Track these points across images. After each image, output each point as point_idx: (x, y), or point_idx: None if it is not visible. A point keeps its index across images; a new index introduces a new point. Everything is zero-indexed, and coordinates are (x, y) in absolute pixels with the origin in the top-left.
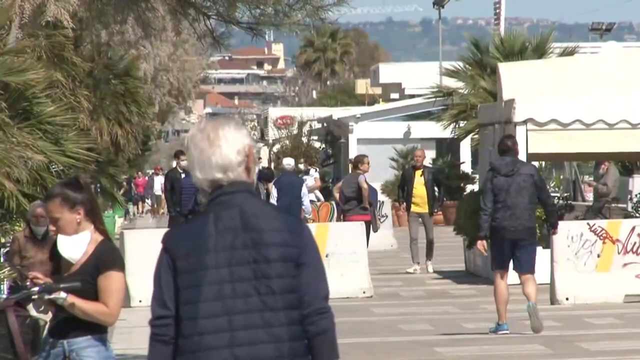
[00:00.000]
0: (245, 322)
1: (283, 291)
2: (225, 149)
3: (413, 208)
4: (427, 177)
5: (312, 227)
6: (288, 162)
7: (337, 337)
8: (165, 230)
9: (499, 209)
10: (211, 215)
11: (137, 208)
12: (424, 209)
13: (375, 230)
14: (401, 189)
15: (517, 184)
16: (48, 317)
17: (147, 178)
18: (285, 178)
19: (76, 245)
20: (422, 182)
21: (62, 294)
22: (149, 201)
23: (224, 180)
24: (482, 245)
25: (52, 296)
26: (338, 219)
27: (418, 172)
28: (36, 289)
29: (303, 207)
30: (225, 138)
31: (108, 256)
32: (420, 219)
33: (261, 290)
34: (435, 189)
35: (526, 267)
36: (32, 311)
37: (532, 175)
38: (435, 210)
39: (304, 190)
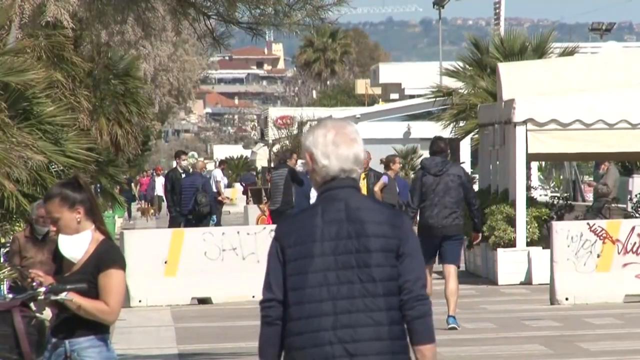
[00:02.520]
0: (348, 306)
1: (382, 279)
2: (359, 149)
3: None
4: (370, 181)
5: None
6: (301, 163)
7: None
8: (165, 230)
9: (428, 206)
10: (319, 208)
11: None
12: None
13: None
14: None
15: (444, 183)
16: (48, 316)
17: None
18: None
19: (77, 245)
20: (364, 186)
21: (68, 295)
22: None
23: (354, 172)
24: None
25: (59, 297)
26: None
27: (361, 176)
28: (42, 289)
29: None
30: (359, 140)
31: (109, 254)
32: None
33: (362, 278)
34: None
35: (450, 258)
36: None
37: (459, 176)
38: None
39: (313, 191)
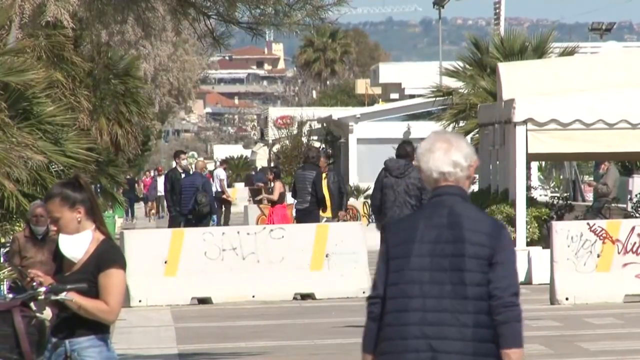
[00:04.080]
0: (436, 305)
1: (472, 283)
2: (458, 154)
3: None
4: (330, 181)
5: (313, 227)
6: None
7: (341, 337)
8: (165, 230)
9: (389, 207)
10: (425, 212)
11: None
12: (327, 213)
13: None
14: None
15: (405, 185)
16: (48, 316)
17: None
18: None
19: (78, 245)
20: (325, 186)
21: (68, 295)
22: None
23: (451, 174)
24: (381, 226)
25: (59, 297)
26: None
27: (322, 176)
28: (43, 289)
29: None
30: (460, 147)
31: (109, 254)
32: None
33: (454, 281)
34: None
35: None
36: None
37: (420, 179)
38: (344, 212)
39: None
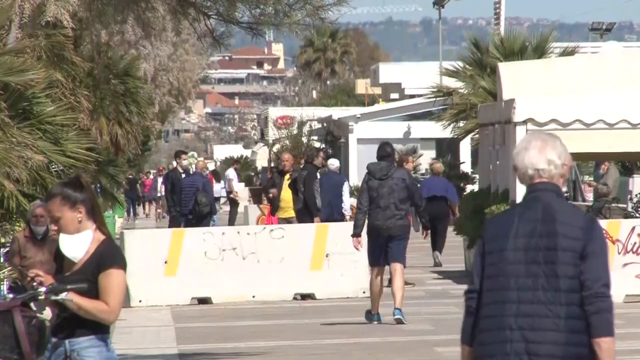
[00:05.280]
0: (530, 297)
1: (565, 276)
2: (552, 153)
3: (279, 213)
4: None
5: (313, 227)
6: (332, 162)
7: (341, 337)
8: (165, 230)
9: (374, 209)
10: (521, 208)
11: (144, 209)
12: (290, 214)
13: (416, 230)
14: (264, 193)
15: (389, 186)
16: (48, 316)
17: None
18: (329, 177)
19: (78, 244)
20: (285, 188)
21: (69, 295)
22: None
23: (545, 172)
24: (357, 241)
25: (59, 297)
26: None
27: (285, 177)
28: (43, 289)
29: (342, 204)
30: (555, 146)
31: (109, 254)
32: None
33: (547, 273)
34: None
35: (395, 257)
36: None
37: (404, 179)
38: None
39: (345, 189)
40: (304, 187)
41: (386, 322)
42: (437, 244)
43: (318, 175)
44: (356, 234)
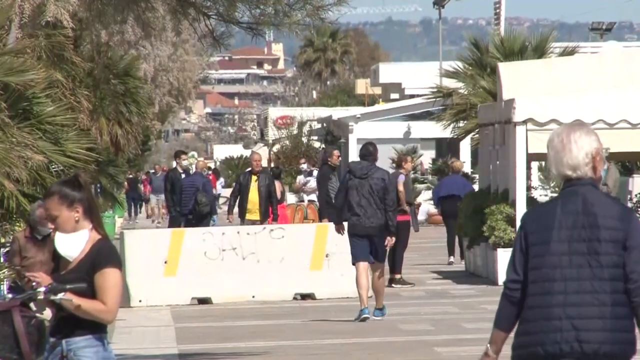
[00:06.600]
0: (577, 287)
1: (609, 265)
2: (575, 151)
3: (247, 215)
4: (261, 183)
5: (313, 227)
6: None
7: (341, 337)
8: (165, 230)
9: (354, 207)
10: (560, 201)
11: (141, 209)
12: (256, 216)
13: (416, 230)
14: (233, 196)
15: (369, 185)
16: (48, 316)
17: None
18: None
19: (74, 243)
20: (255, 188)
21: (66, 295)
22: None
23: (572, 176)
24: (340, 228)
25: (57, 297)
26: None
27: (254, 178)
28: (42, 289)
29: None
30: (575, 142)
31: (104, 253)
32: None
33: (592, 264)
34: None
35: (375, 257)
36: None
37: (383, 179)
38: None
39: None
40: (319, 187)
41: (386, 322)
42: (451, 243)
43: (332, 176)
44: (338, 224)
